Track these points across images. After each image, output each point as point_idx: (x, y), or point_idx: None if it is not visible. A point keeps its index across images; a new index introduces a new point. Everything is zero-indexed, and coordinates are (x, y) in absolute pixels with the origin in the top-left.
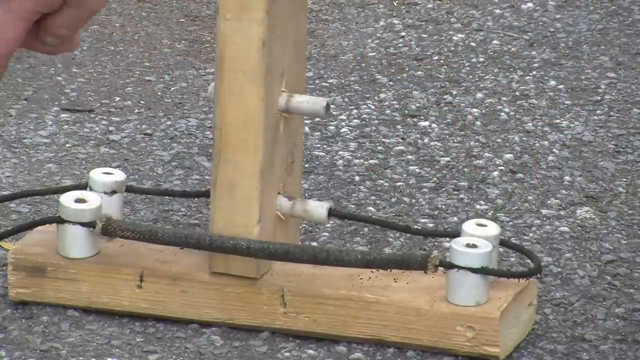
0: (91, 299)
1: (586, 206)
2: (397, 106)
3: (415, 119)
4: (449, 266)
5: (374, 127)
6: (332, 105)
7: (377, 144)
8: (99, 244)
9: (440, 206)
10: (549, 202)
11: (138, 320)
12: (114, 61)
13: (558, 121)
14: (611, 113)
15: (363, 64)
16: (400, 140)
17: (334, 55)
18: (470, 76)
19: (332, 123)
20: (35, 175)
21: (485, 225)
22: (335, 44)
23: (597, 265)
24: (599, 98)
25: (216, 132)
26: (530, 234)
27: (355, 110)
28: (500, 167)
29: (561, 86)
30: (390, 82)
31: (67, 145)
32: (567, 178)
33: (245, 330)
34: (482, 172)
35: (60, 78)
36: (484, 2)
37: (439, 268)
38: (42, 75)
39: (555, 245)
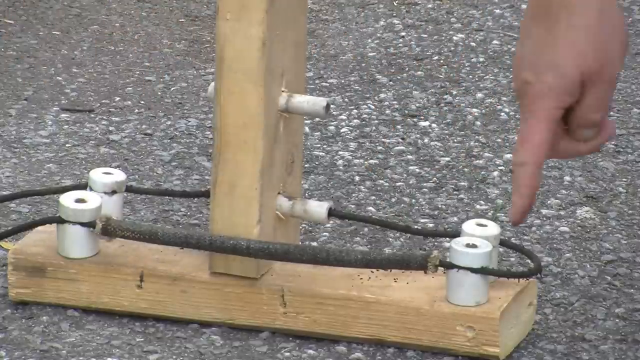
0: (91, 299)
1: (586, 206)
2: (397, 106)
3: (415, 119)
4: (449, 266)
5: (374, 127)
6: (332, 105)
7: (377, 144)
8: (99, 244)
9: (440, 206)
10: (549, 202)
11: (138, 320)
12: (114, 61)
13: None
14: (611, 113)
15: (363, 64)
16: (400, 140)
17: (334, 55)
18: (470, 76)
19: (332, 123)
20: (35, 175)
21: (485, 225)
22: (335, 44)
23: (597, 265)
24: None
25: (216, 132)
26: (530, 234)
27: (355, 110)
28: (500, 167)
29: None
30: (390, 82)
31: (67, 145)
32: (567, 178)
33: (245, 330)
34: (482, 172)
35: (60, 78)
36: (484, 2)
37: (439, 268)
38: (42, 75)
39: (555, 245)
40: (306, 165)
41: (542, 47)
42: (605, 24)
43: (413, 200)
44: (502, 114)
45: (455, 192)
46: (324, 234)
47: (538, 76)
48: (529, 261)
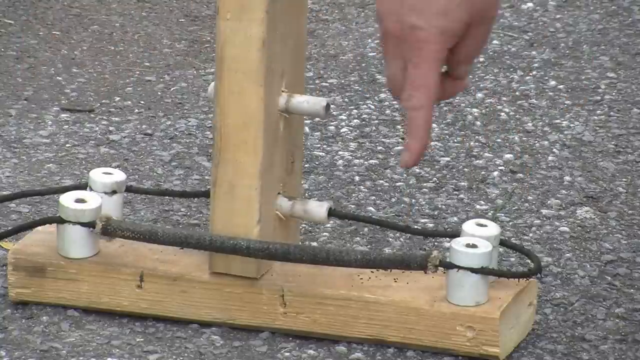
0: (91, 299)
1: (586, 206)
2: (397, 106)
3: None
4: (449, 266)
5: (374, 127)
6: (332, 105)
7: (377, 144)
8: (99, 244)
9: (440, 206)
10: (549, 202)
11: (138, 320)
12: (114, 61)
13: (558, 121)
14: (611, 113)
15: (363, 64)
16: (400, 140)
17: (334, 55)
18: (470, 76)
19: (332, 123)
20: (35, 175)
21: (485, 225)
22: (335, 44)
23: (597, 265)
24: (599, 98)
25: (216, 132)
26: (530, 234)
27: (355, 110)
28: (500, 167)
29: (561, 86)
30: None
31: (67, 145)
32: (567, 178)
33: (245, 330)
34: (482, 172)
35: (60, 78)
36: None
37: (439, 268)
38: (42, 75)
39: (555, 245)
40: (306, 165)
41: None
42: None
43: (413, 200)
44: (502, 114)
45: (455, 192)
46: (324, 234)
47: (429, 21)
48: (529, 261)
